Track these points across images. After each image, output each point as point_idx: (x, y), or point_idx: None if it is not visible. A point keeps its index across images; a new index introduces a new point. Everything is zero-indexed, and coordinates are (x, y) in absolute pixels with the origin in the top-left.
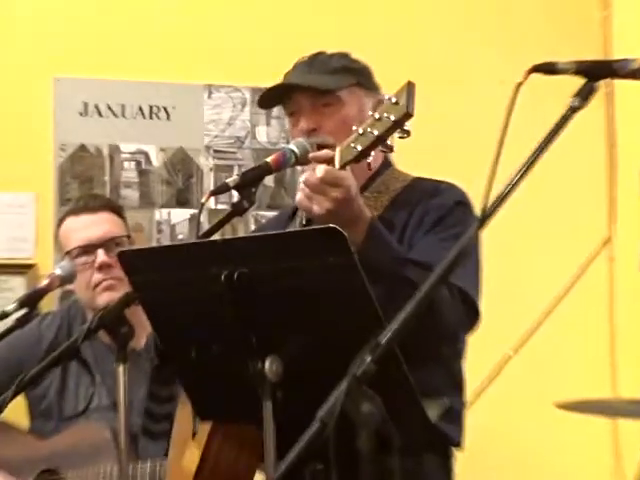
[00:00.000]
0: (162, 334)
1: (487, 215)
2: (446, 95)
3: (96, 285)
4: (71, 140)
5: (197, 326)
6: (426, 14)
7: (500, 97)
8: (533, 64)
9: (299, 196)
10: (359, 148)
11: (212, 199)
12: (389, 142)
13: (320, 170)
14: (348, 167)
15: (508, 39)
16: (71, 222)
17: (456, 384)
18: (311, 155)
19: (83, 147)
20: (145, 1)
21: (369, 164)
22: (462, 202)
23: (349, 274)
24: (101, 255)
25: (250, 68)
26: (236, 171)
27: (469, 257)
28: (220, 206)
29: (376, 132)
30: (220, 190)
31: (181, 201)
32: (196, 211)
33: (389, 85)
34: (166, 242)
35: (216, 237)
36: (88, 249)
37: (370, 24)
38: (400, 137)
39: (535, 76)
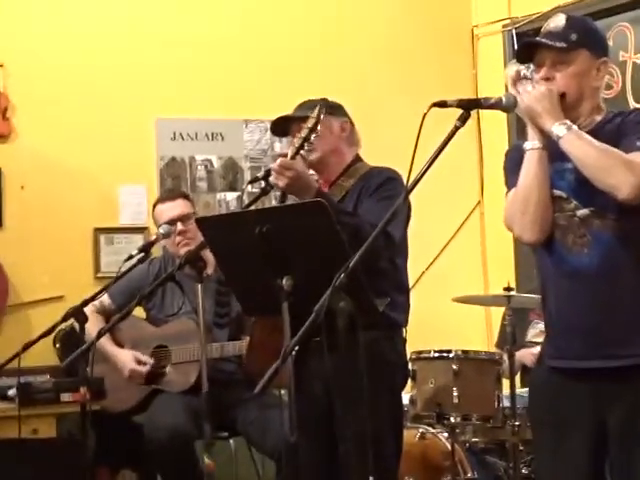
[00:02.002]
0: (223, 265)
1: (409, 190)
2: (389, 116)
3: (178, 243)
4: (167, 154)
5: (243, 260)
6: (362, 67)
7: (415, 123)
8: (432, 101)
9: (271, 179)
10: (296, 145)
11: (249, 186)
12: (312, 141)
13: (278, 161)
14: (298, 157)
15: (416, 85)
16: (160, 207)
17: (398, 287)
18: (276, 153)
19: (174, 158)
20: (203, 64)
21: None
22: (392, 177)
23: (329, 226)
24: (179, 226)
25: (270, 108)
26: (263, 169)
27: (397, 214)
28: (254, 190)
29: (303, 135)
30: (253, 180)
31: (232, 188)
32: (240, 194)
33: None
34: (224, 212)
35: (252, 208)
36: (172, 222)
37: (342, 73)
38: (308, 146)
39: (434, 109)
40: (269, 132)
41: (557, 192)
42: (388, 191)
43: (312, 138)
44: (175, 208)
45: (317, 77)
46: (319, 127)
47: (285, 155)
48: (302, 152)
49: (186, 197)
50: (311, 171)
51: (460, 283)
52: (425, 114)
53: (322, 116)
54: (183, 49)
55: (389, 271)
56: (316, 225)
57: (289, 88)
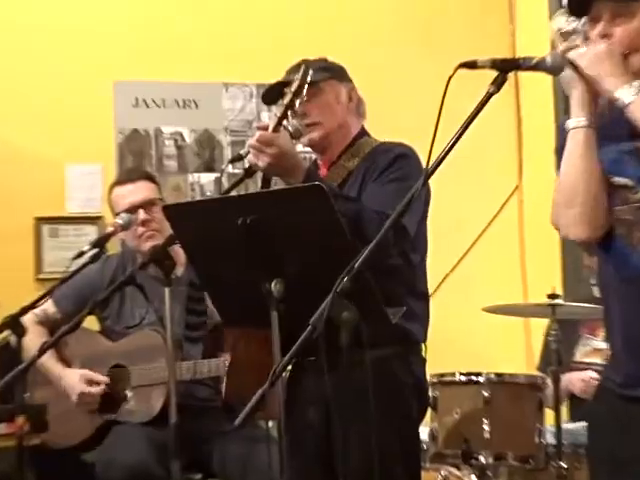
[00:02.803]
0: (196, 265)
1: (430, 172)
2: (405, 83)
3: (140, 235)
4: (127, 125)
5: (222, 258)
6: (379, 27)
7: (439, 88)
8: (460, 61)
9: (249, 158)
10: (278, 115)
11: (230, 166)
12: (296, 108)
13: (256, 135)
14: (283, 131)
15: (443, 44)
16: (118, 191)
17: (414, 291)
18: (255, 125)
19: (136, 130)
20: (173, 20)
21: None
22: (403, 155)
23: (329, 217)
24: (142, 214)
25: (255, 69)
26: (247, 145)
27: (412, 200)
28: (236, 170)
29: (285, 102)
30: (235, 159)
31: (208, 168)
32: (219, 175)
33: (361, 76)
34: (197, 198)
35: (234, 193)
36: (132, 210)
37: (344, 33)
38: (292, 115)
39: (462, 70)
40: (255, 98)
41: (620, 180)
42: (398, 171)
43: (297, 105)
44: (137, 192)
45: (317, 32)
46: (304, 91)
47: (265, 128)
48: (292, 125)
49: (150, 179)
50: (305, 148)
51: (492, 288)
52: (451, 77)
53: (309, 77)
54: None
55: (403, 271)
56: (313, 215)
57: (282, 45)
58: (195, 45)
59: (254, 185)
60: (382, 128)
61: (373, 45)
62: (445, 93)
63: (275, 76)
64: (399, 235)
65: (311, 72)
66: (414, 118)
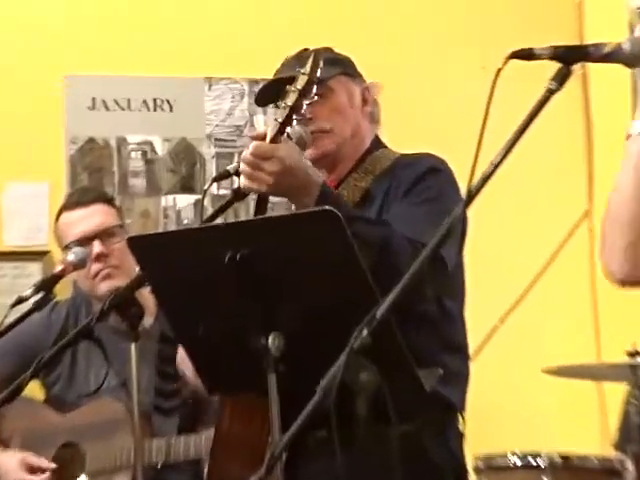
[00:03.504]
0: (170, 314)
1: (473, 194)
2: (432, 80)
3: (95, 275)
4: (81, 133)
5: (203, 305)
6: (406, 3)
7: (482, 82)
8: (512, 50)
9: (242, 179)
10: (280, 121)
11: (215, 185)
12: (302, 110)
13: (250, 147)
14: (285, 139)
15: (485, 27)
16: (66, 217)
17: (451, 345)
18: (248, 134)
19: (92, 140)
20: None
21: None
22: (434, 168)
23: (342, 249)
24: (97, 246)
25: (247, 61)
26: (236, 158)
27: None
28: (222, 191)
29: (289, 103)
30: (222, 176)
31: (185, 188)
32: (200, 197)
33: (371, 75)
34: (172, 227)
35: (219, 221)
36: (84, 242)
37: (352, 16)
38: (297, 119)
39: (514, 61)
40: (247, 97)
41: None
42: (429, 189)
43: (304, 107)
44: (90, 218)
45: (325, 15)
46: (314, 89)
47: (262, 137)
48: (295, 132)
49: (109, 201)
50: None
51: (555, 344)
52: (500, 70)
53: (319, 70)
54: None
55: (437, 320)
56: (323, 249)
57: (282, 30)
58: (169, 29)
59: (246, 210)
60: (402, 138)
61: (389, 28)
62: (493, 91)
63: (272, 70)
64: (437, 270)
65: (321, 64)
66: (448, 124)
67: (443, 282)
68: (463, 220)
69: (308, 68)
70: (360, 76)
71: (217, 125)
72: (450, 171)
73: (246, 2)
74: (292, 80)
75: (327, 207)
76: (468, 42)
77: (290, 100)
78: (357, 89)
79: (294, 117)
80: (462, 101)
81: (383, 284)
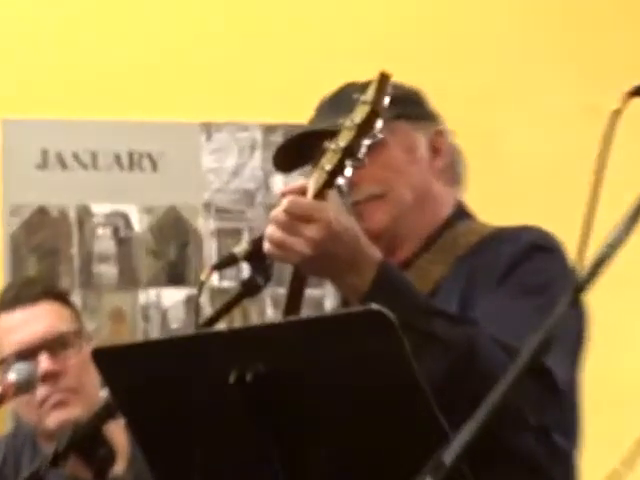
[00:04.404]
0: (151, 455)
1: (584, 283)
2: (520, 125)
3: (42, 402)
4: (26, 201)
5: (198, 444)
6: (490, 26)
7: (587, 127)
8: (633, 85)
9: (266, 245)
10: (327, 168)
11: (215, 275)
12: (360, 155)
13: (284, 203)
14: (335, 194)
15: (593, 57)
16: (3, 321)
17: None
18: (279, 191)
19: (42, 210)
20: (119, 18)
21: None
22: (540, 246)
23: (396, 368)
24: (44, 361)
25: (260, 100)
26: (246, 236)
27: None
28: (226, 283)
29: (342, 144)
30: (226, 262)
31: (174, 278)
32: (194, 291)
33: (446, 113)
34: (156, 334)
35: (222, 326)
36: (27, 354)
37: (413, 37)
38: (353, 166)
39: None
40: (260, 149)
41: None
42: (535, 275)
43: (362, 153)
44: (36, 322)
45: (378, 35)
46: (378, 125)
47: (301, 191)
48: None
49: (62, 298)
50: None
51: None
52: (618, 111)
53: (384, 104)
54: None
55: (539, 461)
56: (369, 366)
57: (307, 59)
58: (153, 57)
59: (258, 309)
60: (483, 201)
61: (486, 57)
62: (609, 140)
63: (295, 112)
64: (542, 390)
65: (381, 92)
66: (546, 185)
67: (550, 407)
68: (582, 317)
69: (370, 95)
70: (430, 117)
71: (219, 189)
72: (561, 249)
73: (259, 24)
74: (331, 136)
75: (375, 307)
76: (567, 74)
77: (343, 140)
78: (422, 138)
79: (348, 163)
80: (562, 152)
81: (462, 407)
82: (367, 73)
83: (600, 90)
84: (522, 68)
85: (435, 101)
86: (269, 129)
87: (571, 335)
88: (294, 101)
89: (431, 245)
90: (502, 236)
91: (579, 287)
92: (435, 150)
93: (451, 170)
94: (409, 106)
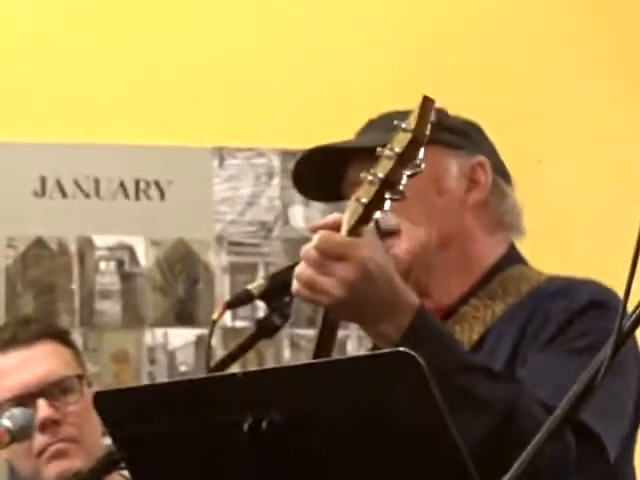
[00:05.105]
0: None
1: (630, 327)
2: (569, 155)
3: (40, 451)
4: (23, 231)
5: None
6: (541, 50)
7: (636, 150)
8: None
9: (294, 285)
10: (364, 201)
11: (228, 314)
12: (401, 187)
13: (316, 238)
14: (371, 231)
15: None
16: None
17: None
18: (310, 226)
19: (40, 241)
20: (124, 34)
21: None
22: (598, 302)
23: (424, 416)
24: (43, 408)
25: (278, 123)
26: (262, 271)
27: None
28: (240, 323)
29: (381, 174)
30: (240, 300)
31: (183, 317)
32: (205, 331)
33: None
34: (163, 377)
35: (235, 369)
36: (24, 400)
37: (433, 52)
38: (392, 199)
39: None
40: (278, 177)
41: None
42: (590, 333)
43: (402, 185)
44: (33, 364)
45: (398, 56)
46: (420, 155)
47: (335, 226)
48: (380, 219)
49: (61, 338)
50: None
51: None
52: None
53: (427, 132)
54: None
55: None
56: (397, 414)
57: (334, 77)
58: (161, 74)
59: (275, 352)
60: (554, 243)
61: (509, 79)
62: None
63: (318, 137)
64: (588, 453)
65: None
66: (595, 220)
67: (597, 478)
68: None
69: (413, 122)
70: (475, 147)
71: (232, 221)
72: (616, 305)
73: (275, 40)
74: (368, 152)
75: (403, 349)
76: (625, 101)
77: (383, 169)
78: (454, 165)
79: (387, 196)
80: (613, 183)
81: (499, 471)
82: (392, 98)
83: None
84: (569, 91)
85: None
86: (288, 155)
87: (628, 403)
88: (315, 124)
89: (478, 290)
90: (559, 286)
91: (622, 333)
92: (476, 185)
93: (495, 212)
94: (452, 135)
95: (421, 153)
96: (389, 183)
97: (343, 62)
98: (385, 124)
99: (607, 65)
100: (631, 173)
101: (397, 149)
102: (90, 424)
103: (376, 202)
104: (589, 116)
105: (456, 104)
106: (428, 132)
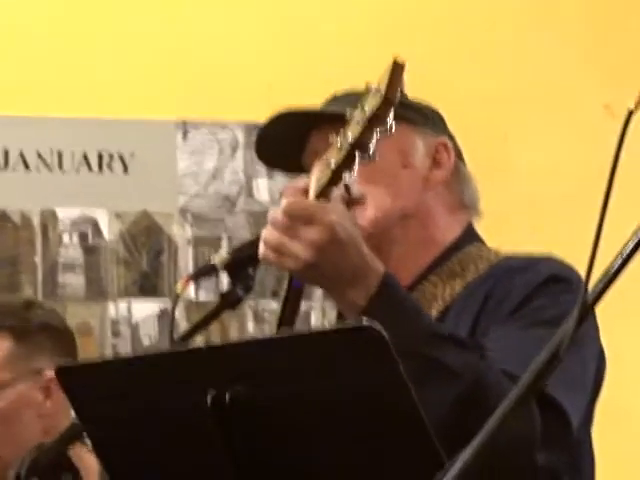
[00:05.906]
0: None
1: (592, 302)
2: (533, 125)
3: None
4: None
5: (170, 470)
6: (507, 28)
7: (603, 128)
8: None
9: (261, 248)
10: (333, 163)
11: (191, 286)
12: (371, 147)
13: (283, 203)
14: (340, 197)
15: (610, 57)
16: None
17: None
18: (281, 190)
19: (3, 215)
20: (87, 10)
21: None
22: (558, 276)
23: (392, 394)
24: None
25: (242, 96)
26: (225, 244)
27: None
28: (203, 296)
29: (350, 136)
30: (203, 273)
31: (146, 289)
32: (168, 304)
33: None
34: (126, 350)
35: (198, 342)
36: None
37: (419, 34)
38: (362, 160)
39: None
40: (242, 149)
41: None
42: (552, 306)
43: (372, 147)
44: None
45: (377, 33)
46: (390, 117)
47: (303, 190)
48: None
49: (14, 331)
50: None
51: None
52: (632, 112)
53: (397, 94)
54: None
55: None
56: (362, 391)
57: (300, 49)
58: (124, 48)
59: (239, 326)
60: (505, 216)
61: (485, 59)
62: (622, 142)
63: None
64: (553, 422)
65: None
66: (557, 191)
67: (560, 446)
68: (598, 358)
69: (383, 84)
70: (439, 127)
71: (196, 194)
72: (580, 282)
73: (238, 13)
74: (332, 123)
75: (367, 323)
76: (584, 74)
77: (352, 134)
78: (420, 143)
79: (358, 159)
80: (575, 155)
81: (466, 440)
82: (364, 72)
83: (616, 92)
84: (543, 74)
85: (442, 102)
86: (251, 128)
87: (588, 375)
88: (280, 97)
89: (436, 268)
90: (518, 264)
91: (586, 304)
92: (438, 163)
93: (456, 190)
94: (417, 114)
95: (391, 115)
96: (359, 143)
97: (308, 35)
98: (350, 99)
99: (575, 40)
100: (597, 149)
101: (367, 109)
102: (18, 422)
103: (345, 165)
104: (557, 92)
105: (427, 81)
106: (398, 94)
